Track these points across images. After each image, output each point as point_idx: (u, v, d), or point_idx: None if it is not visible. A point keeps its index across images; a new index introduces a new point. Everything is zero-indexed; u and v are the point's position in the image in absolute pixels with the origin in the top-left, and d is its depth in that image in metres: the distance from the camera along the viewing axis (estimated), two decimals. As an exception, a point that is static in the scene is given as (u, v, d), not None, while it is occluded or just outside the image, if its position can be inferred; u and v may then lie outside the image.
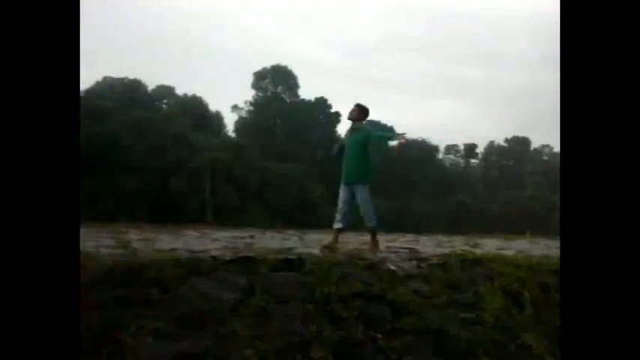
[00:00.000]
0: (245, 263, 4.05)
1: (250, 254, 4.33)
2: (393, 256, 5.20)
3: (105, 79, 35.90)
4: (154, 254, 3.96)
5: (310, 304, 3.72)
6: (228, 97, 78.20)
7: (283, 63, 43.45)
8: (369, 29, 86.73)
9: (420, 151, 43.39)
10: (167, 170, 27.91)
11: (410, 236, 10.45)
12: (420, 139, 44.84)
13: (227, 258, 4.09)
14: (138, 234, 6.06)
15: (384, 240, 6.33)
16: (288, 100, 43.63)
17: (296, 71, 43.65)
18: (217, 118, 40.74)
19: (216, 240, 5.88)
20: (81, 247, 4.17)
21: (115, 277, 3.43)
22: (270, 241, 6.25)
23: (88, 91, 31.55)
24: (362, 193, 5.54)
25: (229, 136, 40.22)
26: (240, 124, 42.72)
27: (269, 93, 43.20)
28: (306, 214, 30.72)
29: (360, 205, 5.56)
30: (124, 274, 3.47)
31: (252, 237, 6.83)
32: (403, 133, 5.73)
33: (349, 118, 5.95)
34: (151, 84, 38.07)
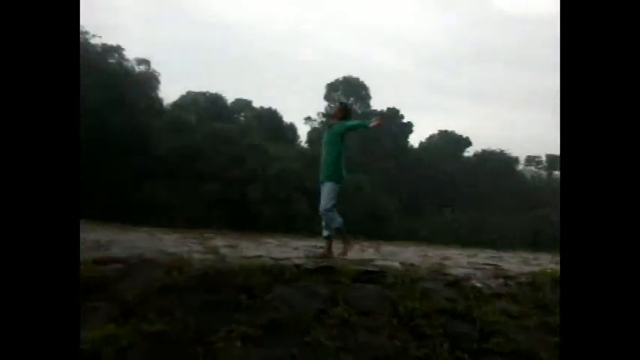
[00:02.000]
0: (327, 273, 4.10)
1: (330, 264, 4.37)
2: (478, 272, 4.99)
3: (188, 93, 38.36)
4: (241, 261, 4.12)
5: (393, 319, 3.68)
6: (302, 110, 79.92)
7: (355, 74, 43.76)
8: (442, 38, 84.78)
9: (499, 163, 41.41)
10: (244, 179, 29.02)
11: (490, 252, 9.97)
12: (498, 150, 42.85)
13: (309, 267, 4.16)
14: (223, 240, 6.35)
15: (464, 255, 6.09)
16: (359, 111, 43.72)
17: (368, 82, 43.75)
18: (291, 129, 41.77)
19: (295, 249, 6.01)
20: (175, 252, 4.49)
21: (207, 282, 3.61)
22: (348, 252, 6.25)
23: (174, 105, 33.81)
24: (325, 191, 5.18)
25: (302, 147, 41.05)
26: (312, 135, 43.47)
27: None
28: (377, 226, 30.42)
29: (320, 205, 5.19)
30: (215, 279, 3.65)
31: (329, 247, 6.88)
32: (378, 117, 5.45)
33: (329, 120, 5.89)
34: (230, 98, 40.08)
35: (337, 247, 5.40)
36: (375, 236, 19.49)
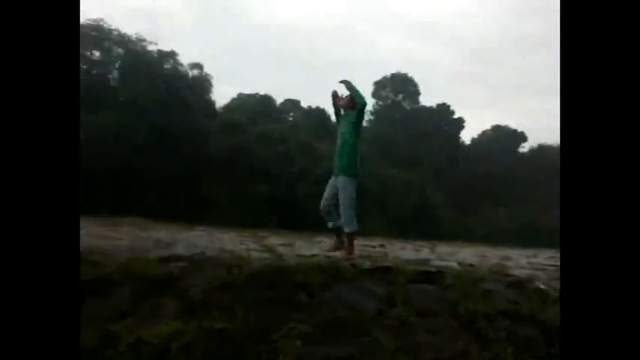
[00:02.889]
0: (384, 273, 4.06)
1: (388, 264, 4.32)
2: (540, 273, 4.77)
3: (239, 95, 39.37)
4: (298, 259, 4.16)
5: (454, 320, 3.59)
6: (349, 107, 79.53)
7: (404, 70, 43.11)
8: (491, 30, 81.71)
9: (557, 159, 39.40)
10: (294, 178, 29.38)
11: (550, 252, 9.50)
12: (555, 145, 40.78)
13: (366, 267, 4.14)
14: (277, 239, 6.45)
15: (523, 255, 5.85)
16: (408, 108, 43.07)
17: (417, 78, 42.98)
18: (339, 127, 41.81)
19: (349, 248, 5.99)
20: (234, 250, 4.62)
21: (265, 279, 3.68)
22: (402, 252, 6.18)
23: (225, 107, 34.79)
24: (343, 187, 4.84)
25: (351, 145, 40.94)
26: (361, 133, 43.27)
27: (389, 101, 43.10)
28: (427, 224, 29.83)
29: (340, 201, 4.85)
30: (273, 277, 3.71)
31: (382, 246, 6.83)
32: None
33: (340, 106, 5.18)
34: (279, 98, 40.73)
35: (327, 243, 5.13)
36: (427, 235, 19.09)
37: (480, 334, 3.47)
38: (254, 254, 4.36)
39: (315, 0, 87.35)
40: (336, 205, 4.91)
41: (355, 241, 7.52)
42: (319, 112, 39.80)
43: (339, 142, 4.99)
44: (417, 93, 43.01)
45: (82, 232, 5.34)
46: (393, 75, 42.94)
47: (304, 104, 41.60)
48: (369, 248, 6.22)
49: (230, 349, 3.10)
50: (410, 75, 42.92)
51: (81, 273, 3.48)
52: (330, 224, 5.00)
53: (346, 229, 4.82)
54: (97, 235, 5.07)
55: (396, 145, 40.96)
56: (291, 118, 40.46)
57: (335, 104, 5.15)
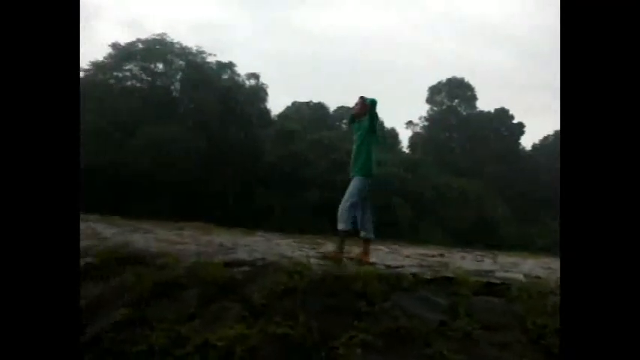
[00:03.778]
0: (446, 283, 3.96)
1: (449, 274, 4.21)
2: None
3: (293, 103, 40.10)
4: (357, 267, 4.15)
5: (522, 335, 3.43)
6: (403, 114, 78.75)
7: (460, 75, 42.03)
8: (550, 32, 77.74)
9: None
10: (347, 185, 29.41)
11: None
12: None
13: (427, 276, 4.05)
14: (334, 246, 6.45)
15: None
16: (464, 113, 41.90)
17: (473, 82, 41.76)
18: (392, 134, 41.42)
19: (407, 257, 5.90)
20: (293, 256, 4.68)
21: (326, 287, 3.70)
22: (463, 262, 5.99)
23: (280, 115, 35.52)
24: (353, 184, 4.81)
25: (404, 152, 40.45)
26: (415, 140, 42.63)
27: (444, 107, 42.15)
28: (486, 233, 28.74)
29: (344, 196, 4.80)
30: (333, 285, 3.72)
31: (442, 255, 6.66)
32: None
33: (354, 115, 5.14)
34: (332, 106, 41.01)
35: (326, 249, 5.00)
36: (486, 245, 18.38)
37: (550, 351, 3.29)
38: (313, 261, 4.39)
39: (369, 8, 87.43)
40: (365, 209, 4.94)
41: (412, 250, 7.39)
42: (372, 119, 39.73)
43: (354, 146, 5.03)
44: (474, 98, 41.78)
45: (149, 236, 5.65)
46: (448, 80, 42.00)
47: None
48: (429, 258, 6.09)
49: (292, 354, 3.14)
50: (466, 79, 41.76)
51: (151, 276, 3.68)
52: (362, 233, 5.01)
53: (339, 227, 4.74)
54: (164, 239, 5.32)
55: (451, 151, 39.93)
56: (344, 126, 40.58)
57: (353, 115, 5.22)
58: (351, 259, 4.82)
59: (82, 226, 6.28)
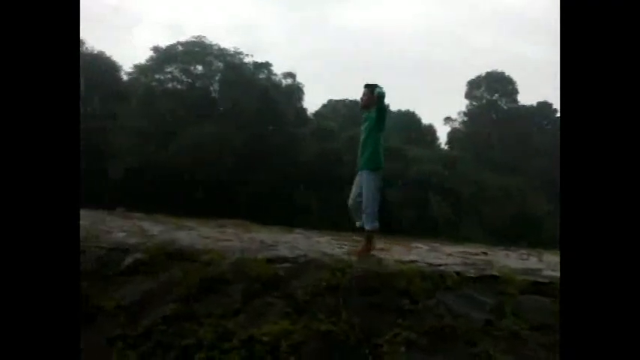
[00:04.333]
0: (491, 282, 3.87)
1: (494, 273, 4.11)
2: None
3: (329, 101, 40.11)
4: (398, 265, 4.12)
5: (573, 336, 3.31)
6: (441, 110, 77.43)
7: (499, 69, 40.82)
8: (606, 18, 73.88)
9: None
10: (384, 183, 29.15)
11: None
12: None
13: (471, 275, 3.97)
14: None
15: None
16: (505, 107, 40.68)
17: (514, 76, 40.45)
18: (430, 131, 40.76)
19: (449, 255, 5.79)
20: (334, 253, 4.70)
21: (368, 284, 3.69)
22: (507, 260, 5.83)
23: (316, 113, 35.63)
24: (366, 182, 4.62)
25: (442, 149, 39.72)
26: (453, 136, 41.78)
27: (484, 101, 41.05)
28: (528, 231, 27.82)
29: (363, 197, 4.59)
30: (376, 282, 3.71)
31: (485, 254, 6.49)
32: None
33: (363, 107, 4.90)
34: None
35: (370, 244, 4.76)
36: (529, 243, 17.79)
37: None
38: (354, 258, 4.39)
39: (403, 3, 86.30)
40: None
41: (453, 248, 7.25)
42: (409, 116, 39.12)
43: (361, 138, 4.85)
44: (515, 91, 40.48)
45: (193, 233, 5.81)
46: (488, 73, 40.85)
47: (393, 108, 41.21)
48: (471, 256, 5.95)
49: (336, 351, 3.16)
50: (507, 73, 40.50)
51: (197, 271, 3.79)
52: (358, 223, 4.79)
53: (367, 227, 4.60)
54: (208, 236, 5.46)
55: (492, 147, 38.87)
56: (380, 123, 40.33)
57: (361, 107, 5.02)
58: (361, 252, 4.62)
59: (129, 223, 6.54)
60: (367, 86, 4.84)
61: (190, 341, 3.23)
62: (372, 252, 4.76)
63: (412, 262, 4.62)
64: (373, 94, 4.67)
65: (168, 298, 3.56)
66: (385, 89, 4.63)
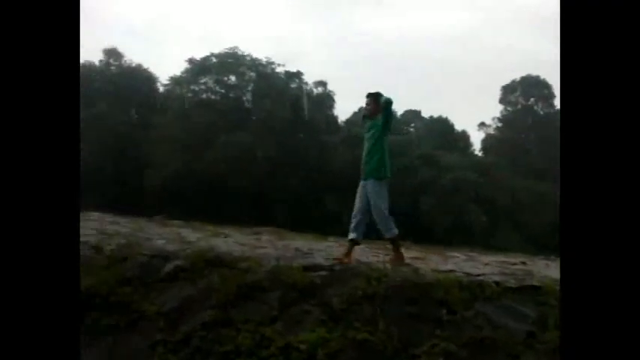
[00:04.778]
0: (532, 293, 3.76)
1: (535, 283, 3.99)
2: None
3: (360, 109, 40.08)
4: (435, 275, 4.06)
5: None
6: (474, 115, 75.96)
7: (534, 73, 39.76)
8: None
9: None
10: (416, 190, 28.84)
11: None
12: None
13: (511, 285, 3.87)
14: (407, 252, 6.37)
15: None
16: (541, 112, 39.54)
17: (550, 80, 39.29)
18: (463, 137, 40.07)
19: (487, 264, 5.66)
20: (369, 262, 4.68)
21: (405, 293, 3.65)
22: (548, 270, 5.64)
23: (348, 121, 35.64)
24: (374, 191, 4.52)
25: (476, 155, 38.95)
26: (487, 142, 40.90)
27: (519, 106, 40.05)
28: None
29: (372, 207, 4.51)
30: (412, 291, 3.67)
31: (524, 263, 6.31)
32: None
33: (365, 116, 4.93)
34: (400, 110, 40.50)
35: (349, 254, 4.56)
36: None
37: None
38: (390, 266, 4.36)
39: (435, 8, 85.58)
40: (367, 213, 4.64)
41: (491, 257, 7.07)
42: (442, 122, 38.61)
43: (365, 147, 4.80)
44: (552, 96, 39.28)
45: (230, 240, 5.91)
46: (523, 78, 39.88)
47: (425, 114, 40.79)
48: (510, 265, 5.80)
49: (373, 360, 3.14)
50: (542, 77, 39.42)
51: (235, 278, 3.85)
52: (352, 235, 4.63)
53: (387, 235, 4.55)
54: (244, 243, 5.54)
55: (527, 153, 37.82)
56: (412, 129, 39.94)
57: (365, 116, 5.03)
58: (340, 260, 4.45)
59: (168, 231, 6.72)
60: (370, 95, 4.86)
61: (229, 347, 3.28)
62: (407, 260, 4.72)
63: (449, 271, 4.54)
64: (377, 103, 4.71)
65: (207, 304, 3.64)
66: (391, 97, 4.66)
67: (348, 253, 4.52)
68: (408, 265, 4.66)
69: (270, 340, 3.27)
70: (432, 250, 8.45)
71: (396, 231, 4.60)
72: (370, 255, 5.55)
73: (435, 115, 39.49)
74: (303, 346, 3.17)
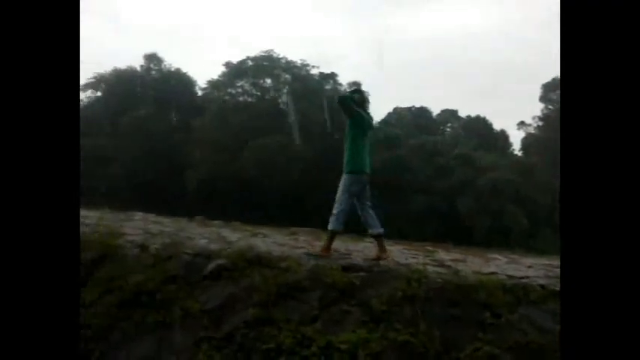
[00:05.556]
0: (580, 297, 3.63)
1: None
2: None
3: (395, 109, 39.77)
4: (477, 277, 3.99)
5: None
6: (513, 114, 73.82)
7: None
8: None
9: None
10: (453, 191, 28.31)
11: None
12: None
13: (557, 288, 3.75)
14: (446, 254, 6.28)
15: None
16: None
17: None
18: (502, 136, 39.04)
19: (529, 267, 5.50)
20: (407, 263, 4.65)
21: (446, 295, 3.61)
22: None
23: (382, 122, 35.44)
24: (341, 183, 4.70)
25: (516, 155, 37.85)
26: (527, 142, 39.66)
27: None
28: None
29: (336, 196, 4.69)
30: (454, 294, 3.61)
31: (569, 267, 6.10)
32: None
33: (348, 117, 4.90)
34: (436, 110, 39.91)
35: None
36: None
37: None
38: (429, 268, 4.31)
39: (469, 7, 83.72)
40: (363, 207, 4.80)
41: (533, 260, 6.86)
42: (480, 121, 37.77)
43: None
44: (597, 93, 37.70)
45: (269, 240, 6.00)
46: (565, 75, 38.45)
47: (462, 114, 40.02)
48: (554, 268, 5.61)
49: (415, 362, 3.12)
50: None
51: (275, 278, 3.91)
52: (370, 231, 4.80)
53: (329, 227, 4.66)
54: (283, 243, 5.62)
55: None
56: (449, 129, 39.26)
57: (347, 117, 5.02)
58: (377, 258, 4.51)
59: (208, 231, 6.88)
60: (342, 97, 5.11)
61: (271, 346, 3.34)
62: (447, 262, 4.65)
63: (491, 274, 4.45)
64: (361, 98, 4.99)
65: (249, 302, 3.71)
66: (348, 93, 5.01)
67: (382, 247, 4.70)
68: (446, 266, 4.60)
69: (311, 339, 3.30)
70: (471, 251, 8.27)
71: (337, 226, 4.63)
72: (409, 257, 5.51)
73: (473, 115, 38.70)
74: (344, 347, 3.18)
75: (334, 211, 4.68)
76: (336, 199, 4.72)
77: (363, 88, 32.67)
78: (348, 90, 31.94)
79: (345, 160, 4.80)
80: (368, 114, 5.09)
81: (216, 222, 8.58)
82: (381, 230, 4.77)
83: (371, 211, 4.84)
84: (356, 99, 4.96)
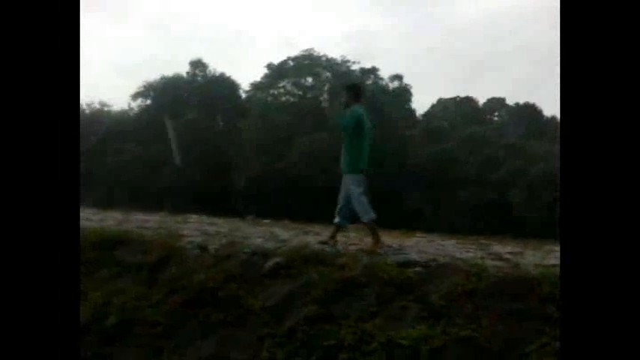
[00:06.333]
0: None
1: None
2: None
3: (439, 101, 38.95)
4: (538, 269, 3.87)
5: None
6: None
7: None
8: None
9: None
10: (503, 182, 27.42)
11: None
12: None
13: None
14: (502, 247, 6.12)
15: None
16: None
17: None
18: (553, 123, 37.36)
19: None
20: (463, 258, 4.57)
21: (507, 289, 3.52)
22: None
23: (426, 114, 34.85)
24: (349, 185, 4.94)
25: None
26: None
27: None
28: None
29: (351, 199, 4.89)
30: (515, 287, 3.53)
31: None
32: None
33: (344, 107, 5.22)
34: (482, 99, 38.73)
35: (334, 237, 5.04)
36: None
37: None
38: (487, 262, 4.23)
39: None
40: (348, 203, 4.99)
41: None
42: (529, 109, 36.32)
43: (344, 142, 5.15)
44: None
45: (320, 237, 6.07)
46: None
47: (510, 102, 38.62)
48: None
49: (479, 358, 3.07)
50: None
51: (332, 274, 3.96)
52: (336, 220, 5.12)
53: (364, 219, 4.83)
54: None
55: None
56: (496, 118, 38.03)
57: (344, 108, 5.32)
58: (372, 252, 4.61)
59: (261, 229, 7.05)
60: (345, 88, 5.40)
61: (331, 342, 3.39)
62: (505, 255, 4.53)
63: (553, 266, 4.30)
64: (352, 95, 5.16)
65: (308, 299, 3.78)
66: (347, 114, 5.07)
67: (332, 237, 5.11)
68: (503, 259, 4.49)
69: (371, 335, 3.32)
70: (528, 244, 8.01)
71: (373, 215, 4.84)
72: (463, 251, 5.41)
73: (521, 102, 37.27)
74: (405, 342, 3.18)
75: (359, 208, 4.87)
76: (355, 198, 4.91)
77: (407, 80, 32.25)
78: (388, 83, 31.60)
79: (348, 160, 5.03)
80: (365, 110, 5.21)
81: (266, 221, 8.77)
82: (344, 224, 5.17)
83: (363, 198, 4.98)
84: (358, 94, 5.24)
